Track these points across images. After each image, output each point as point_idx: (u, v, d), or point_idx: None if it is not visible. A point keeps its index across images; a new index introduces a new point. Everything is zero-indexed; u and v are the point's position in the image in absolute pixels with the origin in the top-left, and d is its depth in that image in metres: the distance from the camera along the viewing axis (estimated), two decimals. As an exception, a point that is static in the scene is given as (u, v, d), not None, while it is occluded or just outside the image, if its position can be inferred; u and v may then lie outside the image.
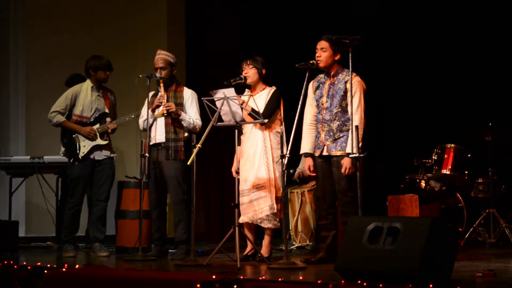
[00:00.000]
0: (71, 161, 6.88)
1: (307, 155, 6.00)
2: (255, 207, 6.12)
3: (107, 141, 6.93)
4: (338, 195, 5.83)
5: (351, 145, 5.56)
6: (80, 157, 6.82)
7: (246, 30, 9.14)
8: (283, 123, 6.29)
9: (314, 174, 6.00)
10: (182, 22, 9.29)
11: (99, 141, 6.88)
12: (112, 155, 6.98)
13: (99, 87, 6.98)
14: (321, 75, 6.01)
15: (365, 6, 8.37)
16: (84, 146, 6.84)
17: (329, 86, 5.91)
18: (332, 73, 5.92)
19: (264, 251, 6.20)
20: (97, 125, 6.90)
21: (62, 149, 7.25)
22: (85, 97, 6.89)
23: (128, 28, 9.20)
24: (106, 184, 6.91)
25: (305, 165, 6.06)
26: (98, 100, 6.96)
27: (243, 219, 6.13)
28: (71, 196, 6.93)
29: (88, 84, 6.95)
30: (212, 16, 9.25)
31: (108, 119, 6.97)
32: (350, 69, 5.60)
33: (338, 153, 5.79)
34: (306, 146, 6.00)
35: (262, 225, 6.17)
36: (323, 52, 5.87)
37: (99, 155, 6.90)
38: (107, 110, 6.98)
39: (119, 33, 9.14)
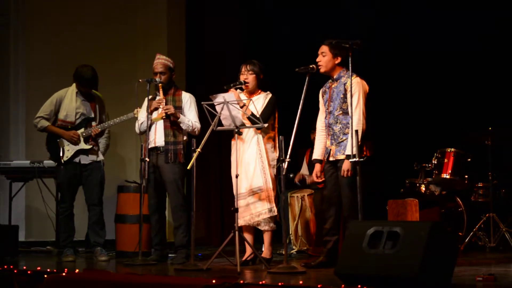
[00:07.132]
0: (57, 165, 6.87)
1: (316, 161, 6.02)
2: (252, 210, 6.14)
3: (92, 146, 6.89)
4: (344, 199, 5.80)
5: (349, 148, 5.55)
6: (63, 161, 6.79)
7: (246, 31, 9.14)
8: (276, 128, 6.29)
9: (320, 180, 6.01)
10: (182, 23, 9.30)
11: (83, 145, 6.84)
12: (98, 159, 6.95)
13: (84, 93, 6.93)
14: (329, 80, 6.00)
15: (366, 10, 8.39)
16: (68, 150, 6.82)
17: (333, 90, 5.90)
18: (335, 77, 5.91)
19: (266, 253, 6.24)
20: (82, 130, 6.87)
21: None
22: (70, 102, 6.87)
23: (128, 30, 9.21)
24: (97, 188, 6.89)
25: (313, 171, 6.07)
26: (83, 105, 6.92)
27: (240, 222, 6.12)
28: (62, 201, 6.96)
29: (73, 89, 6.91)
30: (213, 17, 9.25)
31: (93, 124, 6.94)
32: (350, 74, 5.60)
33: (342, 157, 5.75)
34: (316, 152, 6.03)
35: (259, 227, 6.21)
36: (323, 57, 5.87)
37: (85, 159, 6.87)
38: (93, 115, 6.96)
39: (119, 35, 9.14)
